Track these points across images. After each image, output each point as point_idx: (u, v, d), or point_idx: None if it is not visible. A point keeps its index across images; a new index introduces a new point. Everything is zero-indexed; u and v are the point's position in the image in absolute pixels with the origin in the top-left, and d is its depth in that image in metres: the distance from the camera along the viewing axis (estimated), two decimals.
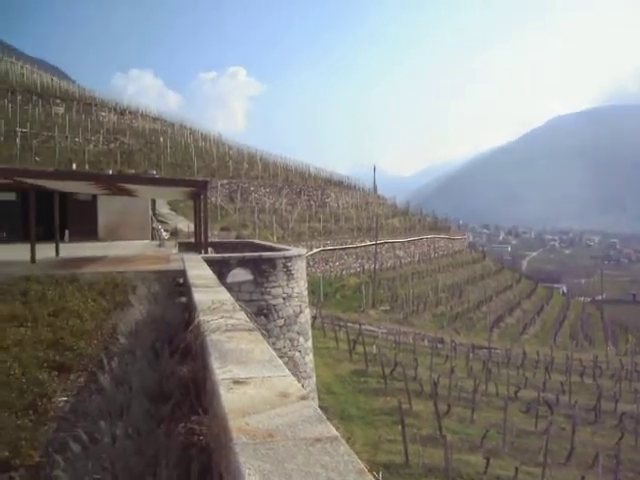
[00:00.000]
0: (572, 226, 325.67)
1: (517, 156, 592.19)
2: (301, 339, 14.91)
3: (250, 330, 4.05)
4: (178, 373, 4.98)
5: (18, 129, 45.95)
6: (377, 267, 49.94)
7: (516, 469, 15.17)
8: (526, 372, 30.95)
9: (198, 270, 8.94)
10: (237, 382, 2.78)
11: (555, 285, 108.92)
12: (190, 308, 6.97)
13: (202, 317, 4.39)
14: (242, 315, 4.60)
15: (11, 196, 27.72)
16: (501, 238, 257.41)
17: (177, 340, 6.01)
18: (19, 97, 55.14)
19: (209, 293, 5.93)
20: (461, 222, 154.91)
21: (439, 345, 35.37)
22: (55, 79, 76.10)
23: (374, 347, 28.02)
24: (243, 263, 13.34)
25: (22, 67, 73.36)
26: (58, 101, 59.40)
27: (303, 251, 16.14)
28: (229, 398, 2.55)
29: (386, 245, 57.31)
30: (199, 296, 5.63)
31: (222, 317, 4.23)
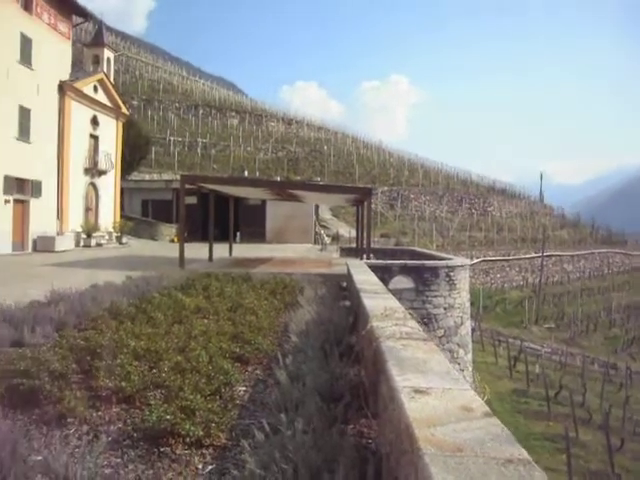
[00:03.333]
0: None
1: None
2: (461, 352, 14.53)
3: (424, 340, 4.04)
4: (346, 375, 5.11)
5: (199, 139, 50.61)
6: (542, 281, 47.02)
7: None
8: None
9: (364, 275, 9.10)
10: (418, 391, 2.78)
11: None
12: (357, 312, 7.13)
13: (375, 323, 4.46)
14: (414, 324, 4.60)
15: (193, 200, 30.56)
16: None
17: (344, 343, 6.19)
18: (201, 111, 60.79)
19: (378, 299, 6.01)
20: None
21: (611, 371, 32.23)
22: (231, 94, 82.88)
23: (537, 366, 26.40)
24: (405, 270, 13.35)
25: (203, 84, 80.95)
26: (233, 113, 64.48)
27: (467, 261, 15.74)
28: (412, 407, 2.56)
29: (553, 258, 53.76)
30: (369, 302, 5.73)
31: (396, 324, 4.27)
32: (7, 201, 22.67)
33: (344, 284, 12.16)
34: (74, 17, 29.01)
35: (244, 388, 4.97)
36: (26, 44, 23.63)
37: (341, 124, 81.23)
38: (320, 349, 5.68)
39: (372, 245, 25.47)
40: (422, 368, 3.26)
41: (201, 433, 3.69)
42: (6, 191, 22.50)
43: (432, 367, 3.30)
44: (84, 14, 29.93)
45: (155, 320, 6.84)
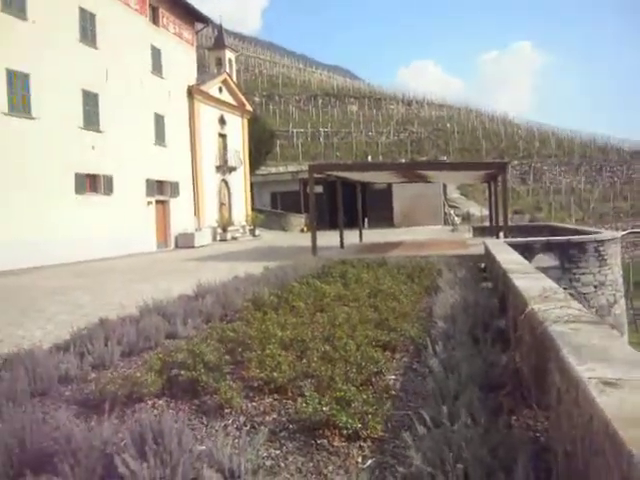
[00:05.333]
0: None
1: None
2: None
3: (595, 323, 3.61)
4: (500, 362, 4.78)
5: (321, 129, 51.29)
6: None
7: None
8: None
9: (507, 255, 8.58)
10: (607, 383, 2.43)
11: None
12: (505, 294, 6.70)
13: (535, 305, 4.08)
14: (579, 305, 4.16)
15: (319, 189, 31.06)
16: None
17: (493, 327, 5.82)
18: (320, 101, 61.55)
19: (530, 280, 5.56)
20: None
21: None
22: (348, 80, 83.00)
23: None
24: (548, 247, 12.47)
25: (320, 74, 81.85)
26: (352, 100, 64.59)
27: (617, 234, 14.40)
28: (605, 402, 2.23)
29: None
30: (521, 282, 5.31)
31: (560, 307, 3.87)
32: (150, 203, 24.44)
33: (482, 265, 11.61)
34: (196, 24, 30.47)
35: (394, 377, 4.82)
36: (156, 55, 25.23)
37: (463, 100, 77.78)
38: (468, 334, 5.38)
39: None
40: (603, 356, 2.88)
41: (358, 425, 3.58)
42: (148, 193, 24.25)
43: (615, 355, 2.90)
44: (205, 20, 31.32)
45: (298, 309, 6.90)
